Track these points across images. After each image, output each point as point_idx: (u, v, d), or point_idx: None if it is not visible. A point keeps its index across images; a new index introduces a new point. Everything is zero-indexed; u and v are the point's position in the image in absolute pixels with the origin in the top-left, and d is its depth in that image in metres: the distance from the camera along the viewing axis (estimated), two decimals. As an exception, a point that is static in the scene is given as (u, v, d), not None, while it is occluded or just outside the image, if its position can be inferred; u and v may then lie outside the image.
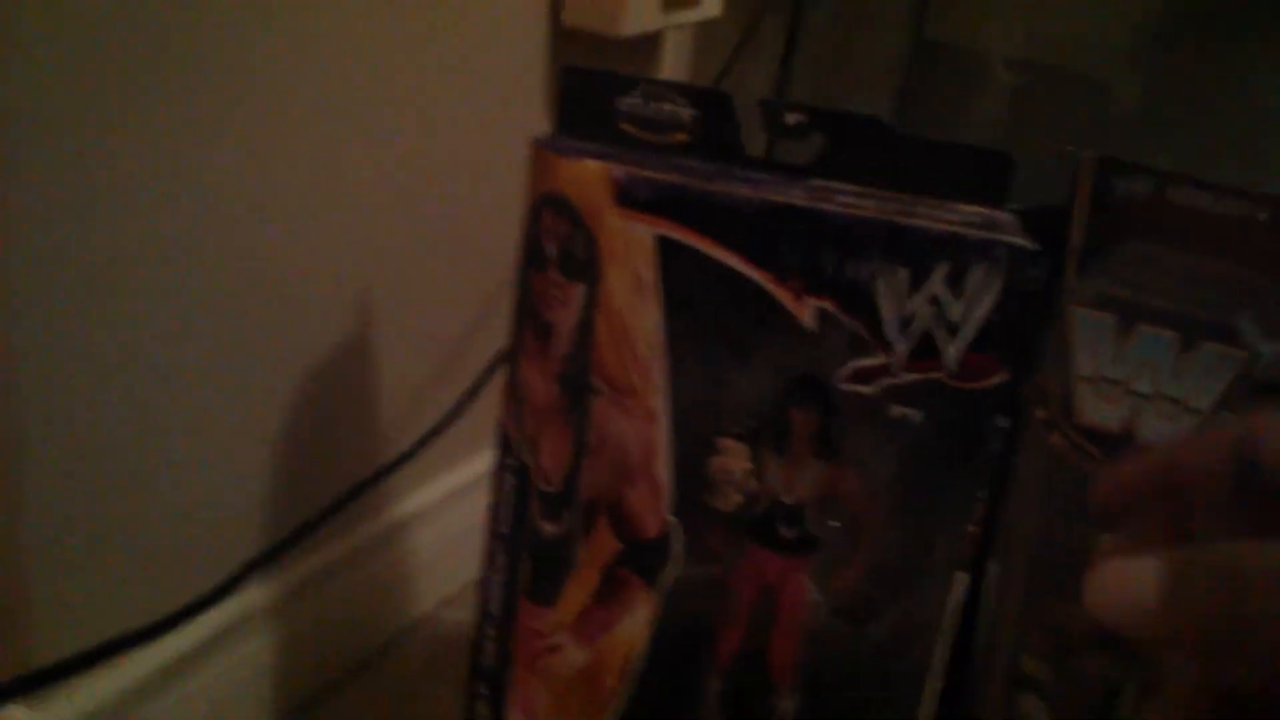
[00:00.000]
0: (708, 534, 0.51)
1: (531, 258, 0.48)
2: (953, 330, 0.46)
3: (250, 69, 0.53)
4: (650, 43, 0.83)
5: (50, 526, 0.51)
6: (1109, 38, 1.03)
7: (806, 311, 0.47)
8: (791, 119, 0.51)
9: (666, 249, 0.46)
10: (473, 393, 0.71)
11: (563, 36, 0.74)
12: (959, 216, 0.47)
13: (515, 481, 0.51)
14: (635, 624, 0.52)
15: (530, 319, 0.49)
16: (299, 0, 0.55)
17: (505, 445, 0.52)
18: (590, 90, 0.50)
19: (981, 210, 0.49)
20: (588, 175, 0.46)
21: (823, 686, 0.52)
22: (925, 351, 0.47)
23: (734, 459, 0.50)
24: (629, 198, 0.46)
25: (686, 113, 0.50)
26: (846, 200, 0.47)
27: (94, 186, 0.48)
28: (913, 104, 1.09)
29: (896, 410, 0.48)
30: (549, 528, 0.51)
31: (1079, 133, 1.00)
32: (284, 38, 0.54)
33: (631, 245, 0.46)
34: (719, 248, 0.46)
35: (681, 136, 0.50)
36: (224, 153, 0.53)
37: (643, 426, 0.49)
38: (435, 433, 0.70)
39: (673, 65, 0.88)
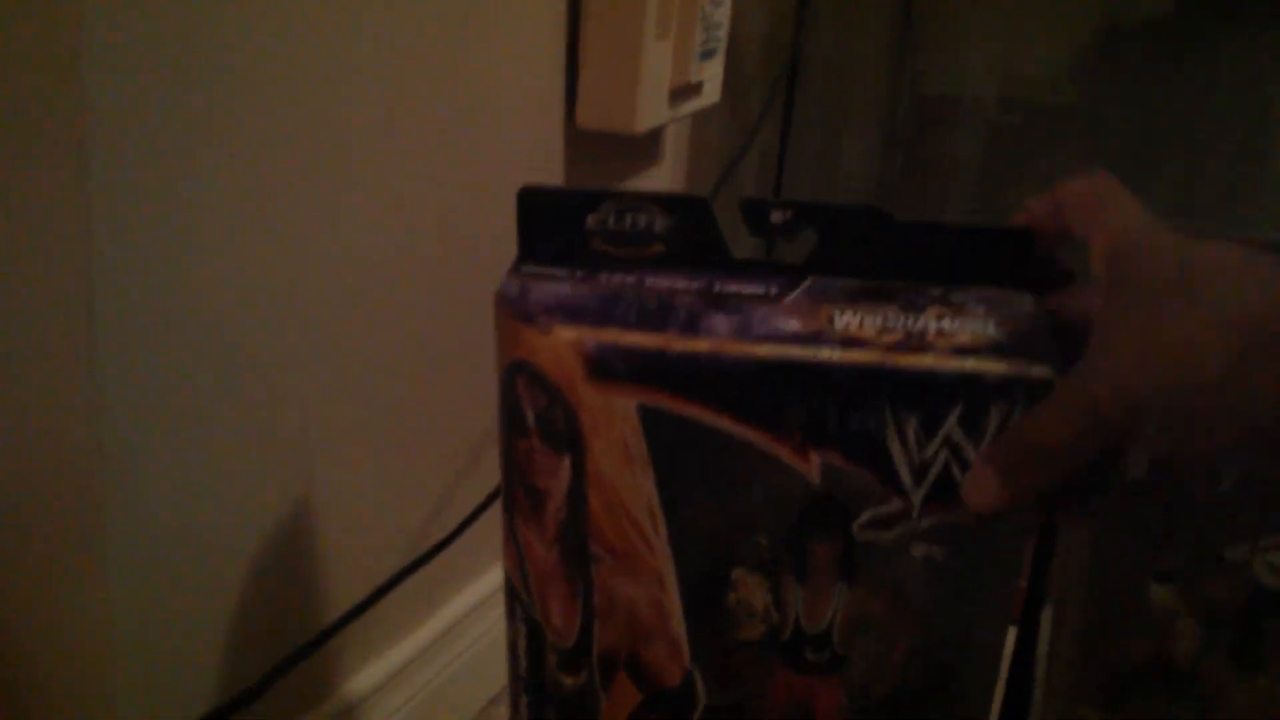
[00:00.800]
0: (733, 663, 0.48)
1: (513, 424, 0.44)
2: (973, 471, 0.42)
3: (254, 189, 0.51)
4: (654, 135, 0.82)
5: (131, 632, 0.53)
6: (1078, 68, 1.00)
7: (811, 465, 0.43)
8: (778, 217, 0.46)
9: (650, 418, 0.42)
10: (458, 532, 0.71)
11: (576, 137, 0.73)
12: (972, 331, 0.42)
13: (527, 631, 0.49)
14: (668, 762, 0.50)
15: (520, 483, 0.46)
16: (305, 114, 0.53)
17: (514, 595, 0.49)
18: (554, 210, 0.46)
19: (999, 295, 0.43)
20: (558, 348, 0.42)
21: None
22: (943, 493, 0.43)
23: (752, 593, 0.47)
24: (604, 369, 0.42)
25: (661, 223, 0.46)
26: (849, 321, 0.43)
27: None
28: (904, 155, 1.08)
29: (919, 549, 0.44)
30: (568, 680, 0.49)
31: (1064, 165, 0.97)
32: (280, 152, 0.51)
33: (614, 416, 0.42)
34: (706, 411, 0.42)
35: (658, 248, 0.46)
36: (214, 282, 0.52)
37: (651, 590, 0.46)
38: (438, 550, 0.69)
39: (674, 152, 0.87)
